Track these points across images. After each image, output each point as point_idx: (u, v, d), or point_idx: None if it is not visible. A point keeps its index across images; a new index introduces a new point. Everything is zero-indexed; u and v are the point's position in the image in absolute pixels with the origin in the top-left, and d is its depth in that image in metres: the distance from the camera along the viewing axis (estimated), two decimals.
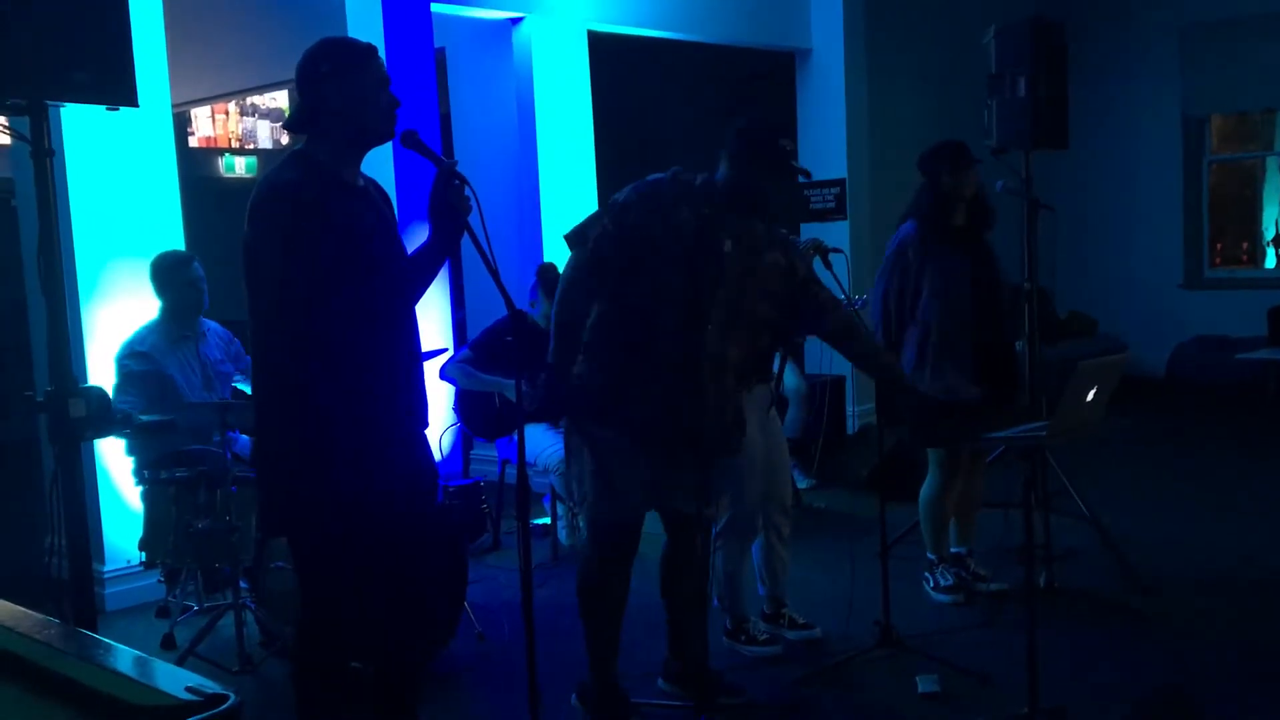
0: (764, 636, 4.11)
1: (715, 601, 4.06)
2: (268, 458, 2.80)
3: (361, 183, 2.81)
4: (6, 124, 2.94)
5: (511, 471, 5.56)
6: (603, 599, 3.49)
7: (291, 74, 2.77)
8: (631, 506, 3.41)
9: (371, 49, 2.77)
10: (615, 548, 3.46)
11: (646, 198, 3.31)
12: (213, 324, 4.71)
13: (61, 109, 3.07)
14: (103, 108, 2.95)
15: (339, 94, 2.69)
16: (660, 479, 3.41)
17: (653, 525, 3.61)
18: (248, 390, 4.73)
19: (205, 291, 4.59)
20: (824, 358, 5.87)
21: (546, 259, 6.29)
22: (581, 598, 3.51)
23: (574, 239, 3.38)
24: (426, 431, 2.96)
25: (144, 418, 3.51)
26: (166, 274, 4.54)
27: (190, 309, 4.57)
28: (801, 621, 4.20)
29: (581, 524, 5.32)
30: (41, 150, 2.87)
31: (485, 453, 6.91)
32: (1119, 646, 4.08)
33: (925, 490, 4.58)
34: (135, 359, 4.44)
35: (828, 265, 3.89)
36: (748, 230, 3.38)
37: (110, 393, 4.40)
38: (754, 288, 3.40)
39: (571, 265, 3.37)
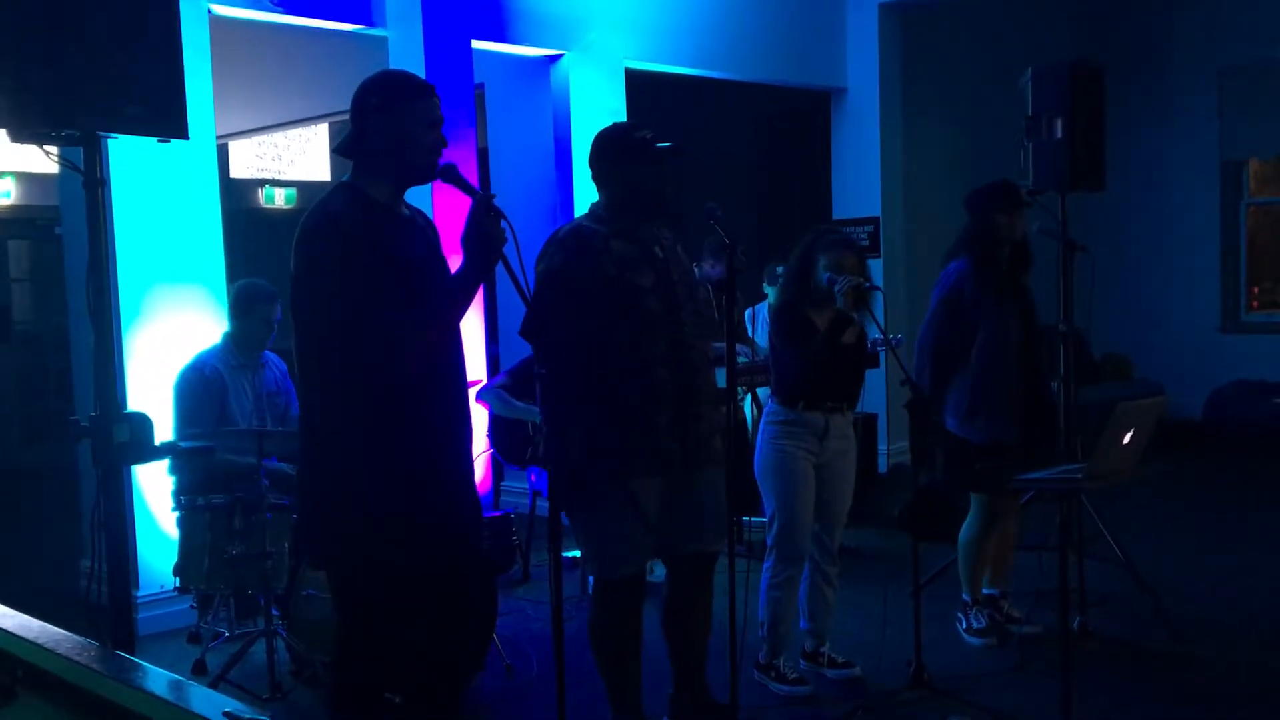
0: (794, 675, 4.07)
1: (761, 631, 4.05)
2: (312, 488, 2.81)
3: (407, 212, 2.84)
4: (57, 154, 3.00)
5: (542, 504, 5.58)
6: (618, 651, 3.46)
7: (333, 108, 2.82)
8: (639, 561, 3.39)
9: (425, 88, 2.79)
10: (625, 602, 3.42)
11: (570, 248, 3.32)
12: (273, 355, 4.77)
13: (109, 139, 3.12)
14: (154, 139, 3.00)
15: (383, 129, 2.73)
16: (678, 521, 3.38)
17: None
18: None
19: (274, 332, 4.63)
20: None
21: None
22: (596, 652, 3.48)
23: (531, 331, 3.14)
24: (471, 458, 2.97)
25: (184, 444, 3.54)
26: (247, 303, 4.60)
27: (256, 343, 4.63)
28: (841, 660, 4.17)
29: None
30: (94, 180, 2.93)
31: (516, 484, 6.93)
32: (1153, 692, 4.02)
33: (965, 532, 4.54)
34: (201, 378, 4.50)
35: (867, 304, 3.87)
36: (661, 237, 3.44)
37: (171, 413, 4.49)
38: (690, 286, 3.46)
39: (541, 363, 3.13)
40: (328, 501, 2.74)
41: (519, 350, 6.08)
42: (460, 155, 5.71)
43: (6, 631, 1.83)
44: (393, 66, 5.50)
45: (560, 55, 6.63)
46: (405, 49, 5.73)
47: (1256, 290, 10.30)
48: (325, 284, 2.63)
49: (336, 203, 2.70)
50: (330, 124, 9.81)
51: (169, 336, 4.95)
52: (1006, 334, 4.33)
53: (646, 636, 3.53)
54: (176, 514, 4.38)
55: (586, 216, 3.46)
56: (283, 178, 11.54)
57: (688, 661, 3.62)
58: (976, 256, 4.36)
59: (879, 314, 3.86)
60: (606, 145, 3.43)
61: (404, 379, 2.67)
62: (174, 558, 4.31)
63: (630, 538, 3.30)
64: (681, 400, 3.32)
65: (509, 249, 2.71)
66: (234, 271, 5.27)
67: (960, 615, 4.60)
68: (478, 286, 2.78)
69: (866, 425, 6.93)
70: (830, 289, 3.82)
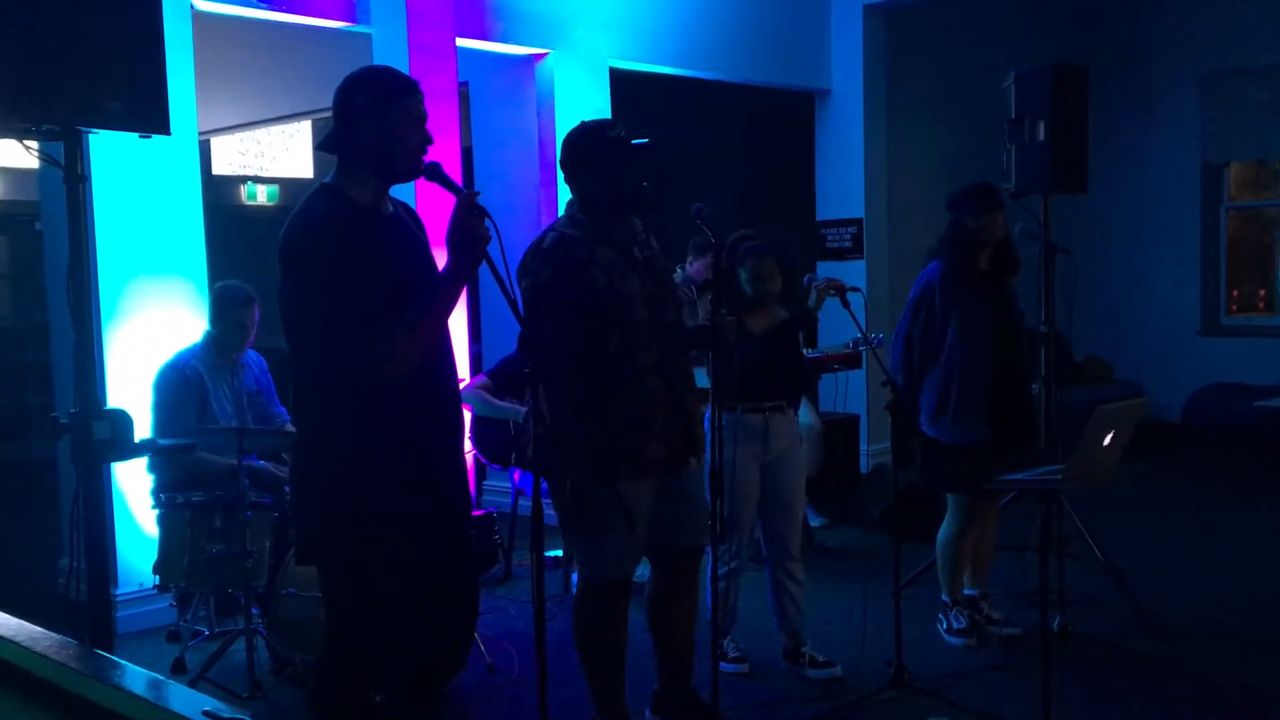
0: (734, 654, 4.19)
1: (705, 615, 4.07)
2: (303, 487, 2.80)
3: (391, 209, 2.83)
4: (38, 148, 2.98)
5: (524, 503, 5.57)
6: (604, 650, 3.46)
7: (316, 105, 2.80)
8: (629, 564, 3.38)
9: (410, 85, 2.77)
10: (612, 602, 3.42)
11: (558, 262, 3.26)
12: (253, 354, 4.75)
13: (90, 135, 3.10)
14: (135, 135, 2.99)
15: (368, 127, 2.71)
16: (664, 516, 3.39)
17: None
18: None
19: (252, 335, 4.62)
20: (839, 396, 5.88)
21: None
22: (581, 650, 3.47)
23: (529, 346, 3.13)
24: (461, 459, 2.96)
25: (163, 441, 3.52)
26: (221, 306, 4.59)
27: (232, 346, 4.61)
28: (822, 660, 4.19)
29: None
30: (75, 176, 2.91)
31: (498, 483, 6.92)
32: (1132, 693, 4.04)
33: (943, 532, 4.56)
34: (181, 377, 4.48)
35: (846, 304, 3.91)
36: (635, 232, 3.41)
37: (150, 412, 4.47)
38: (666, 283, 3.44)
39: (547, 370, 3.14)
40: (319, 499, 2.74)
41: (502, 349, 6.08)
42: (444, 153, 5.70)
43: None
44: (377, 63, 5.50)
45: (545, 54, 6.62)
46: (389, 46, 5.72)
47: (1236, 294, 10.37)
48: (311, 289, 2.61)
49: (319, 206, 2.68)
50: (313, 121, 9.78)
51: (150, 333, 4.92)
52: (977, 336, 4.35)
53: (630, 634, 3.53)
54: (156, 511, 4.36)
55: (566, 222, 3.39)
56: (265, 175, 11.50)
57: (673, 657, 3.62)
58: (950, 258, 4.40)
59: (860, 315, 3.88)
60: (578, 145, 3.34)
61: (393, 379, 2.67)
62: (154, 555, 4.29)
63: (620, 541, 3.29)
64: (671, 405, 3.32)
65: (493, 248, 2.70)
66: (215, 269, 5.24)
67: (940, 616, 4.62)
68: (462, 286, 2.77)
69: (848, 426, 6.96)
70: (809, 288, 3.89)
